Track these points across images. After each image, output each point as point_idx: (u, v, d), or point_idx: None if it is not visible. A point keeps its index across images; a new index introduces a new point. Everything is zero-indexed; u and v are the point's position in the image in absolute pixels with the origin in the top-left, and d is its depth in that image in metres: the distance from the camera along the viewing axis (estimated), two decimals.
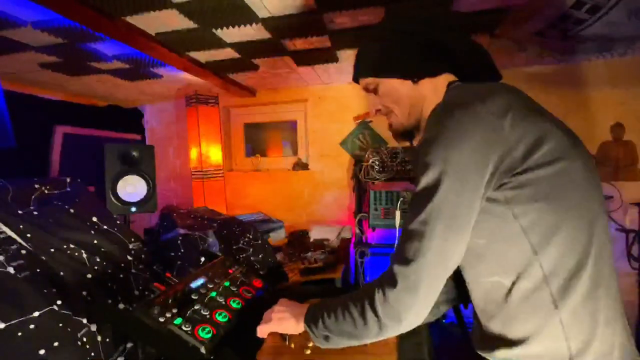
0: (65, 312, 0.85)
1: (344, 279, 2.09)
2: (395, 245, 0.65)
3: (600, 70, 2.25)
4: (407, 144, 0.86)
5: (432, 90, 0.75)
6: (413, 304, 0.61)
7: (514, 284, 0.62)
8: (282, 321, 0.79)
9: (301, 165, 2.99)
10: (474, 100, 0.62)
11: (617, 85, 2.25)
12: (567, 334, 0.59)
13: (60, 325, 0.82)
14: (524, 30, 1.60)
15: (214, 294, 0.92)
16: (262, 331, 0.82)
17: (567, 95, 2.35)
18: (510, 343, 0.63)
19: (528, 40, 1.71)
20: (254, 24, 1.58)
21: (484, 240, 0.64)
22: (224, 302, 0.91)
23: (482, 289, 0.68)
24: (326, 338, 0.70)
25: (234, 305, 0.92)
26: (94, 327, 0.88)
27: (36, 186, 1.12)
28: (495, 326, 0.67)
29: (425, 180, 0.60)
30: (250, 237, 1.73)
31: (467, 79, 0.75)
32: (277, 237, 2.42)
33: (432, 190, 0.59)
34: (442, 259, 0.60)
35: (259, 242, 1.74)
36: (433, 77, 0.75)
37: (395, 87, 0.77)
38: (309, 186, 2.97)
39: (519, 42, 1.78)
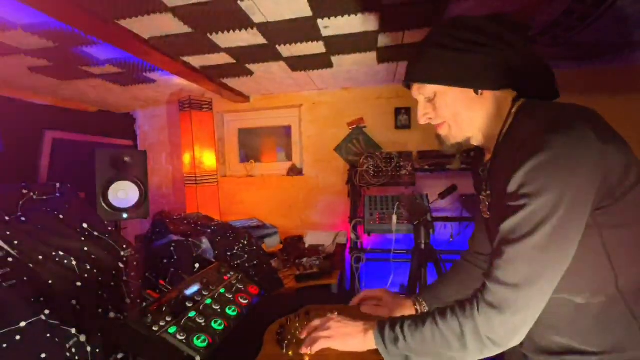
0: (53, 321, 0.81)
1: (340, 285, 2.08)
2: (494, 263, 0.62)
3: (586, 77, 2.30)
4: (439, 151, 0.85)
5: (495, 104, 0.73)
6: (520, 329, 0.60)
7: (586, 300, 0.64)
8: (349, 337, 0.74)
9: (295, 171, 2.98)
10: (577, 119, 0.60)
11: (607, 91, 2.31)
12: None
13: (48, 335, 0.79)
14: None
15: (209, 301, 0.90)
16: (319, 347, 0.75)
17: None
18: (588, 354, 0.64)
19: None
20: (249, 29, 1.58)
21: None
22: (219, 310, 0.89)
23: (549, 304, 0.67)
24: (406, 357, 0.67)
25: (230, 312, 0.90)
26: (83, 338, 0.85)
27: (24, 191, 1.09)
28: (560, 339, 0.68)
29: (540, 204, 0.58)
30: (245, 243, 1.71)
31: (526, 96, 0.74)
32: (272, 243, 2.39)
33: (548, 215, 0.57)
34: (550, 285, 0.60)
35: (254, 248, 1.72)
36: (496, 90, 0.73)
37: (457, 97, 0.74)
38: (303, 192, 2.95)
39: None
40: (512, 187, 0.61)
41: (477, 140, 0.79)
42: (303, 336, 0.82)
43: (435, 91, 0.76)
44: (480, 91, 0.72)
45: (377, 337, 0.70)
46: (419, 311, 0.95)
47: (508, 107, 0.73)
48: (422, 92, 0.78)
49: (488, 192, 0.80)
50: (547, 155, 0.58)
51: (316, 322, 0.82)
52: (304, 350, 0.77)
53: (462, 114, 0.75)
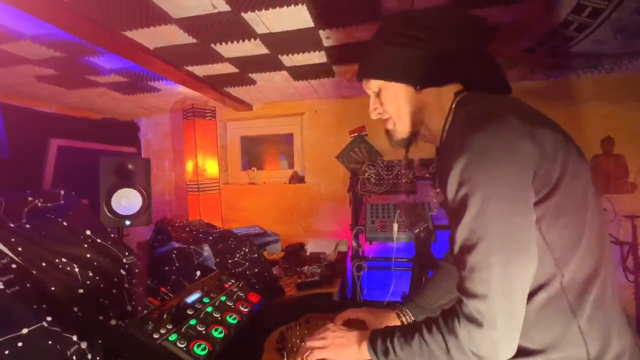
0: (55, 328, 0.82)
1: (341, 293, 2.06)
2: (461, 274, 0.61)
3: (588, 85, 2.32)
4: (403, 151, 0.84)
5: (436, 98, 0.73)
6: (502, 341, 0.57)
7: (532, 295, 0.61)
8: (343, 348, 0.74)
9: (297, 179, 3.00)
10: (505, 111, 0.59)
11: (606, 100, 2.32)
12: (586, 340, 0.59)
13: (50, 342, 0.79)
14: (514, 46, 1.65)
15: (210, 309, 0.90)
16: (314, 357, 0.75)
17: (557, 110, 2.40)
18: (529, 352, 0.63)
19: (518, 56, 1.76)
20: (252, 40, 1.61)
21: None
22: (220, 317, 0.89)
23: None
24: None
25: (231, 320, 0.90)
26: (84, 345, 0.85)
27: (29, 199, 1.10)
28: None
29: (475, 208, 0.56)
30: (246, 250, 1.71)
31: (474, 90, 0.72)
32: (273, 250, 2.39)
33: (480, 217, 0.56)
34: (518, 284, 0.56)
35: (255, 255, 1.72)
36: (439, 87, 0.72)
37: (398, 92, 0.75)
38: (305, 199, 2.96)
39: (509, 58, 1.83)
40: (449, 193, 0.61)
41: (424, 136, 0.79)
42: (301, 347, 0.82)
43: (379, 86, 0.77)
44: (419, 87, 0.72)
45: (370, 348, 0.71)
46: (405, 322, 0.94)
47: (450, 102, 0.72)
48: (369, 87, 0.79)
49: (438, 190, 0.78)
50: (470, 154, 0.57)
51: (314, 338, 0.81)
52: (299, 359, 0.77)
53: (405, 110, 0.75)
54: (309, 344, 0.78)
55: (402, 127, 0.78)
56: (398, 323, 0.94)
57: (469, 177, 0.57)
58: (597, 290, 0.60)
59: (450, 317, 0.62)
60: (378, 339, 0.70)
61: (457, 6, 1.35)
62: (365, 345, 0.72)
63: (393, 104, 0.76)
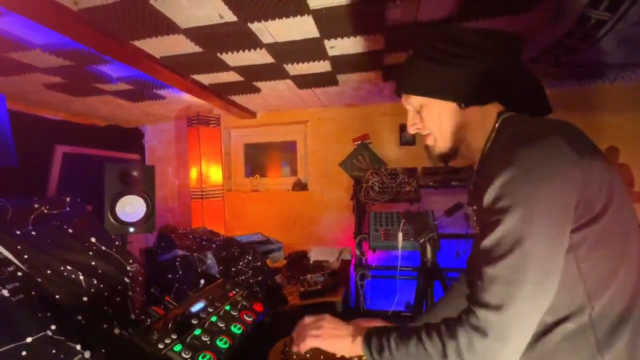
0: (59, 337, 0.81)
1: (345, 302, 2.05)
2: (476, 283, 0.60)
3: (592, 95, 2.32)
4: (439, 165, 0.84)
5: (480, 118, 0.73)
6: (502, 354, 0.57)
7: (556, 324, 0.60)
8: (337, 339, 0.74)
9: (300, 186, 3.00)
10: (554, 134, 0.58)
11: (610, 109, 2.32)
12: None
13: (54, 351, 0.79)
14: None
15: (214, 318, 0.89)
16: (307, 345, 0.75)
17: (561, 119, 2.41)
18: None
19: None
20: (258, 49, 1.63)
21: None
22: (224, 327, 0.88)
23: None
24: None
25: (235, 330, 0.89)
26: (87, 354, 0.84)
27: (35, 205, 1.11)
28: (524, 358, 0.64)
29: (513, 220, 0.56)
30: (250, 258, 1.70)
31: (516, 110, 0.72)
32: (276, 258, 2.38)
33: (512, 233, 0.55)
34: (534, 306, 0.56)
35: (258, 263, 1.71)
36: (482, 105, 0.72)
37: (441, 109, 0.74)
38: (308, 207, 2.96)
39: None
40: (485, 203, 0.60)
41: (464, 153, 0.78)
42: (294, 333, 0.82)
43: (421, 103, 0.76)
44: (463, 105, 0.72)
45: (364, 344, 0.70)
46: None
47: (493, 121, 0.72)
48: (410, 102, 0.79)
49: (474, 207, 0.78)
50: (516, 169, 0.56)
51: (308, 320, 0.81)
52: (294, 348, 0.77)
53: (447, 127, 0.75)
54: (303, 331, 0.77)
55: (443, 143, 0.77)
56: None
57: (510, 191, 0.57)
58: (630, 331, 0.58)
59: (453, 323, 0.62)
60: (374, 335, 0.70)
61: (462, 17, 1.36)
62: (359, 341, 0.71)
63: (436, 120, 0.76)
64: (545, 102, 0.74)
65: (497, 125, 0.71)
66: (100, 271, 1.07)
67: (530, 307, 0.56)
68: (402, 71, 0.80)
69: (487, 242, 0.59)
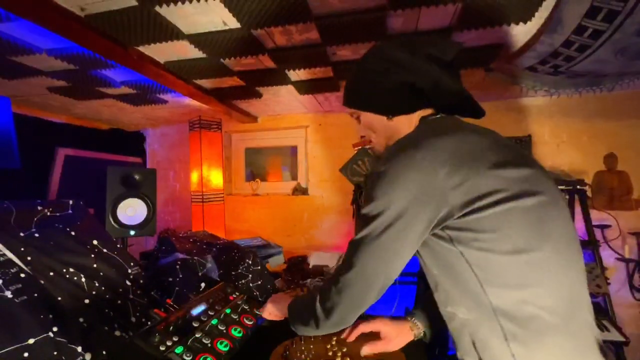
0: (60, 339, 0.82)
1: None
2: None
3: (591, 102, 2.35)
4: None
5: (407, 124, 0.79)
6: (338, 308, 0.71)
7: (465, 315, 0.66)
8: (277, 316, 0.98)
9: (301, 190, 3.01)
10: (410, 145, 0.66)
11: (609, 117, 2.34)
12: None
13: (55, 353, 0.79)
14: (517, 64, 1.68)
15: (215, 321, 0.90)
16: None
17: (559, 126, 2.43)
18: None
19: (520, 74, 1.80)
20: (260, 55, 1.65)
21: (436, 271, 0.70)
22: (225, 330, 0.89)
23: (445, 317, 0.74)
24: (292, 325, 0.83)
25: (235, 333, 0.90)
26: (88, 356, 0.85)
27: (39, 208, 1.12)
28: (458, 354, 0.71)
29: (368, 209, 0.67)
30: (250, 262, 1.71)
31: (445, 113, 0.78)
32: (276, 262, 2.38)
33: (371, 218, 0.66)
34: (364, 280, 0.69)
35: (258, 267, 1.71)
36: (407, 114, 0.78)
37: (372, 119, 0.82)
38: (308, 211, 2.96)
39: (512, 75, 1.87)
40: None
41: None
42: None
43: (358, 114, 0.85)
44: (390, 116, 0.79)
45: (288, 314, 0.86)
46: (416, 335, 0.94)
47: (416, 125, 0.79)
48: (350, 112, 0.88)
49: None
50: (380, 167, 0.67)
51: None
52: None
53: (380, 133, 0.83)
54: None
55: (380, 149, 0.86)
56: (411, 336, 0.93)
57: (374, 187, 0.67)
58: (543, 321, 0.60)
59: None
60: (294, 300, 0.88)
61: (462, 27, 1.39)
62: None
63: (369, 129, 0.85)
64: (473, 107, 0.79)
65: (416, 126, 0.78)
66: (101, 274, 1.08)
67: (357, 277, 0.69)
68: (345, 84, 0.88)
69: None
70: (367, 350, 0.89)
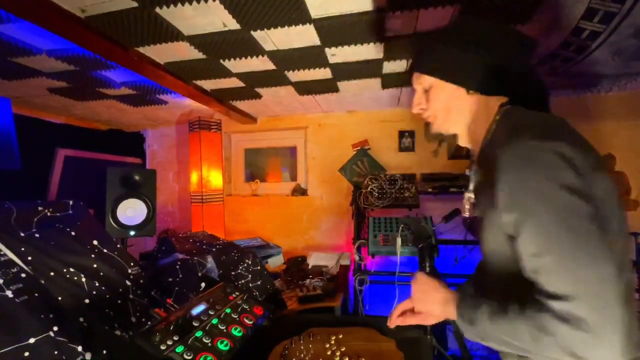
0: (61, 339, 0.82)
1: (343, 307, 2.05)
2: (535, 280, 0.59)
3: (589, 103, 2.36)
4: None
5: (483, 107, 0.76)
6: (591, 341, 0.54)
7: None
8: (427, 304, 0.81)
9: (300, 191, 3.01)
10: (553, 128, 0.62)
11: (606, 118, 2.36)
12: None
13: (56, 352, 0.80)
14: None
15: (215, 320, 0.90)
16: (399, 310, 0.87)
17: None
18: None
19: None
20: (259, 56, 1.66)
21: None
22: (225, 330, 0.89)
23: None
24: (482, 339, 0.68)
25: (236, 332, 0.90)
26: (88, 356, 0.85)
27: (39, 208, 1.12)
28: None
29: (539, 216, 0.57)
30: (249, 262, 1.71)
31: (516, 102, 0.75)
32: (275, 263, 2.38)
33: (547, 229, 0.57)
34: (599, 287, 0.56)
35: (258, 268, 1.72)
36: (487, 94, 0.75)
37: (449, 92, 0.77)
38: (307, 212, 2.97)
39: None
40: (499, 204, 0.62)
41: (463, 139, 0.82)
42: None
43: (431, 84, 0.79)
44: (471, 91, 0.75)
45: (461, 316, 0.71)
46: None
47: (494, 111, 0.74)
48: (420, 82, 0.81)
49: (470, 194, 0.83)
50: (514, 176, 0.59)
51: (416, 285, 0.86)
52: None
53: (451, 110, 0.78)
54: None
55: (443, 125, 0.81)
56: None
57: (520, 189, 0.59)
58: None
59: (538, 306, 0.59)
60: (465, 307, 0.71)
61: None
62: (451, 307, 0.73)
63: (443, 103, 0.79)
64: (546, 103, 0.77)
65: (497, 117, 0.73)
66: (102, 274, 1.08)
67: (604, 286, 0.54)
68: (418, 51, 0.83)
69: (529, 242, 0.59)
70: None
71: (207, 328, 0.86)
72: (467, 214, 0.83)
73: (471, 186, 0.82)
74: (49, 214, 1.14)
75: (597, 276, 0.54)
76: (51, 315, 0.86)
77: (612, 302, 0.53)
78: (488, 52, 0.72)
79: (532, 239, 0.58)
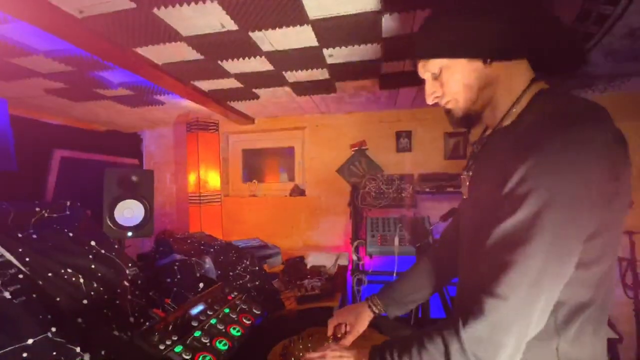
0: (59, 339, 0.82)
1: (342, 307, 2.05)
2: (487, 272, 0.57)
3: None
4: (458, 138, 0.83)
5: (506, 76, 0.67)
6: (506, 345, 0.55)
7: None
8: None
9: (298, 192, 3.02)
10: (592, 121, 0.57)
11: None
12: None
13: (54, 353, 0.80)
14: None
15: (214, 320, 0.91)
16: None
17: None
18: None
19: None
20: (257, 57, 1.67)
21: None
22: (224, 330, 0.89)
23: None
24: None
25: (234, 332, 0.90)
26: (86, 356, 0.85)
27: (37, 209, 1.12)
28: None
29: (528, 206, 0.53)
30: (247, 263, 1.72)
31: (545, 68, 0.68)
32: (274, 263, 2.39)
33: (534, 219, 0.53)
34: (546, 300, 0.55)
35: (256, 268, 1.72)
36: (509, 60, 0.66)
37: (465, 69, 0.68)
38: (305, 212, 2.97)
39: None
40: (508, 182, 0.56)
41: (488, 117, 0.73)
42: None
43: (441, 66, 0.70)
44: (489, 60, 0.65)
45: None
46: (376, 312, 0.98)
47: (520, 85, 0.66)
48: (428, 69, 0.73)
49: (470, 173, 0.75)
50: (550, 154, 0.53)
51: (311, 355, 0.82)
52: None
53: (471, 87, 0.69)
54: None
55: (466, 105, 0.71)
56: (371, 315, 0.98)
57: (536, 175, 0.53)
58: (583, 319, 0.60)
59: (452, 320, 0.60)
60: (377, 353, 0.69)
61: None
62: None
63: (458, 82, 0.69)
64: (579, 51, 0.70)
65: (526, 94, 0.65)
66: (99, 274, 1.08)
67: (538, 298, 0.54)
68: (419, 36, 0.74)
69: (504, 226, 0.56)
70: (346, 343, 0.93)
71: (205, 328, 0.86)
72: (465, 197, 0.78)
73: (471, 164, 0.76)
74: (46, 214, 1.13)
75: (541, 285, 0.55)
76: (49, 316, 0.86)
77: (530, 308, 0.56)
78: (499, 14, 0.63)
79: (519, 220, 0.55)
